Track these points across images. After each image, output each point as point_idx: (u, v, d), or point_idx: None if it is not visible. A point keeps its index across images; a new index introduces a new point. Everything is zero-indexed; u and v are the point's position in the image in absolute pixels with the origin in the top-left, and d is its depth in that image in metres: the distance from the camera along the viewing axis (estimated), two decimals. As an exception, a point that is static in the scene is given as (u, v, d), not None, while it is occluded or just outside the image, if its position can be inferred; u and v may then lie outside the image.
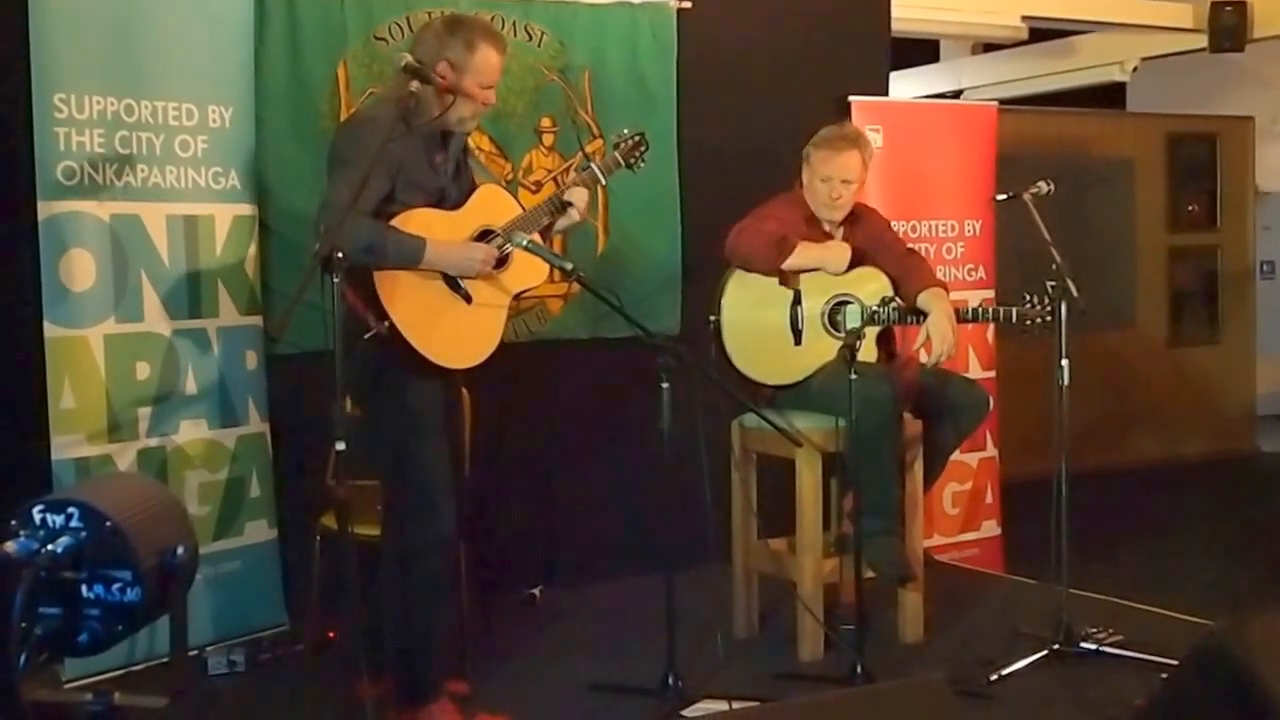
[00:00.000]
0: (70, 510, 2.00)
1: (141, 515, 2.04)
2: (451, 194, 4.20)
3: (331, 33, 5.44)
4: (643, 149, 4.65)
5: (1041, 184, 5.06)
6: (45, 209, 4.63)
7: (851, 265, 5.07)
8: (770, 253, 4.92)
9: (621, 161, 4.60)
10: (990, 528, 6.74)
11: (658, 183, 6.01)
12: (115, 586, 2.00)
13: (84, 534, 1.99)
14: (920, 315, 4.96)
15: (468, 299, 4.10)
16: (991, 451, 6.71)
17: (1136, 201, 9.90)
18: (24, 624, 1.92)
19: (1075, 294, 4.74)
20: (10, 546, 1.95)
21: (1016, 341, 6.49)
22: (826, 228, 5.11)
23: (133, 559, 1.99)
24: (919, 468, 5.09)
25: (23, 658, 1.92)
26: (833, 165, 5.00)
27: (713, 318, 5.05)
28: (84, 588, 2.00)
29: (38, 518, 2.00)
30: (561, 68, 5.94)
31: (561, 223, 4.41)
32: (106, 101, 4.76)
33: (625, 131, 4.67)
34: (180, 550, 2.06)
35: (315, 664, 4.84)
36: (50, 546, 1.97)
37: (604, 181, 4.53)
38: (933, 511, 6.23)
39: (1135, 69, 10.15)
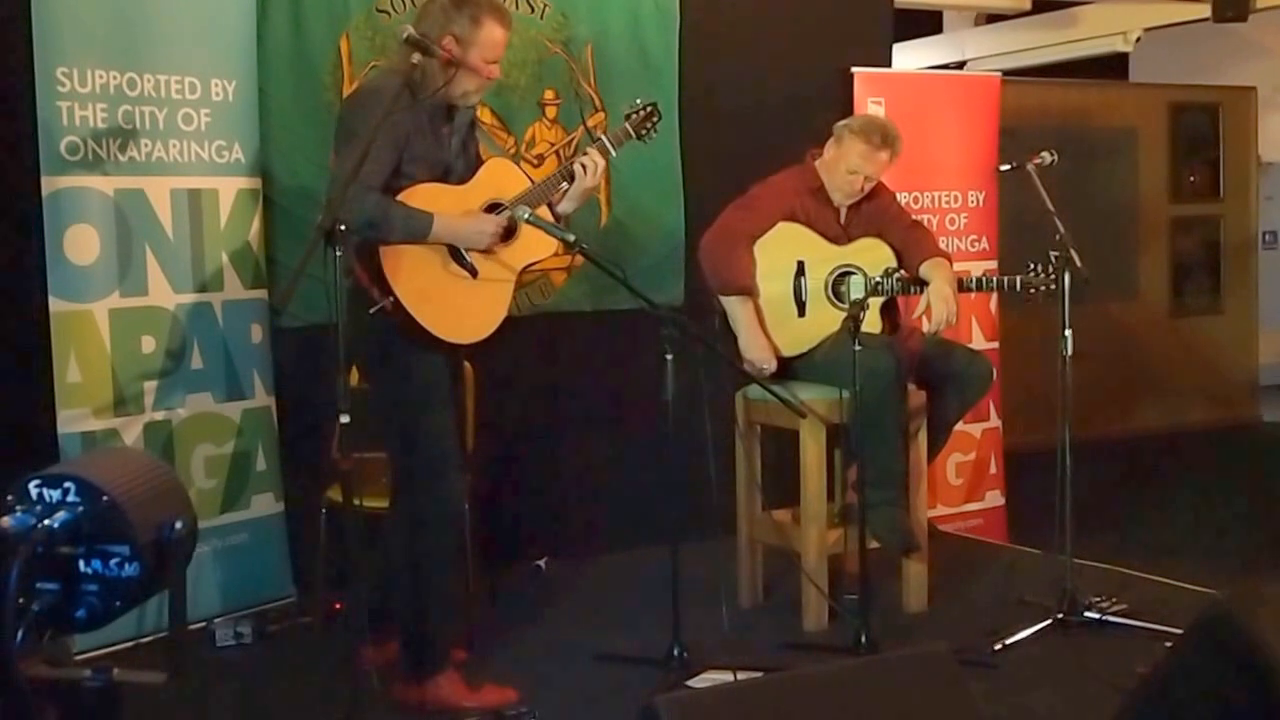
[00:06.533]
0: (67, 485, 1.98)
1: (139, 490, 2.03)
2: (458, 168, 4.20)
3: (334, 5, 5.43)
4: (655, 120, 4.63)
5: (1045, 154, 5.06)
6: (49, 184, 4.63)
7: (857, 237, 5.09)
8: (724, 277, 4.98)
9: (632, 133, 4.57)
10: (994, 498, 6.76)
11: (660, 154, 5.99)
12: (113, 561, 1.98)
13: (81, 509, 1.97)
14: (922, 285, 4.98)
15: (473, 273, 4.10)
16: (995, 422, 6.72)
17: (1139, 172, 9.90)
18: (21, 600, 1.92)
19: (1078, 264, 4.74)
20: (6, 522, 1.94)
21: (1019, 312, 6.52)
22: (835, 203, 5.11)
23: (130, 534, 1.98)
24: (923, 438, 5.10)
25: (20, 634, 1.91)
26: (868, 162, 5.00)
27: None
28: (81, 563, 1.98)
29: (34, 492, 1.99)
30: (564, 40, 5.92)
31: (575, 187, 4.36)
32: (109, 75, 4.75)
33: (638, 102, 4.64)
34: (178, 525, 2.05)
35: (322, 636, 4.86)
36: (47, 521, 1.95)
37: (614, 153, 4.48)
38: (936, 482, 6.24)
39: (1138, 39, 10.09)
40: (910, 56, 10.56)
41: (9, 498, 1.99)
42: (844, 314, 4.66)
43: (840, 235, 5.11)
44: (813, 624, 4.97)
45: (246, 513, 5.18)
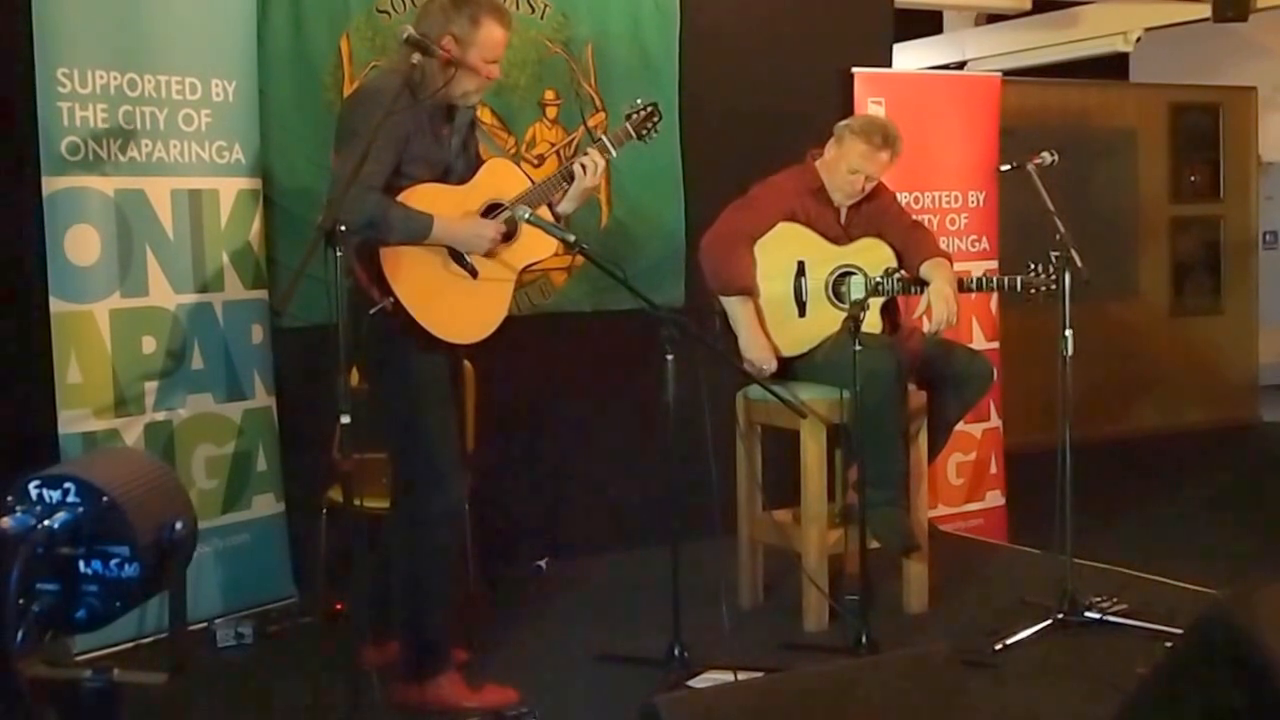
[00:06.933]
0: (67, 485, 1.96)
1: (139, 490, 2.02)
2: (458, 168, 4.20)
3: (334, 6, 5.43)
4: (655, 120, 4.61)
5: (1046, 154, 5.06)
6: (50, 184, 4.63)
7: (857, 237, 5.09)
8: (724, 277, 4.99)
9: (633, 133, 4.56)
10: (994, 498, 6.76)
11: (661, 155, 5.99)
12: (113, 562, 1.96)
13: (81, 509, 1.95)
14: (923, 285, 4.98)
15: (473, 274, 4.10)
16: (995, 422, 6.72)
17: (1139, 172, 9.91)
18: (21, 600, 1.91)
19: (1079, 264, 4.74)
20: (6, 522, 1.92)
21: (1020, 312, 6.52)
22: (835, 204, 5.11)
23: (130, 534, 1.96)
24: (923, 438, 5.10)
25: (20, 634, 1.91)
26: (869, 162, 5.00)
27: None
28: (81, 563, 1.96)
29: (34, 493, 1.97)
30: (565, 40, 5.93)
31: (575, 187, 4.35)
32: (110, 76, 4.75)
33: (638, 102, 4.62)
34: (178, 525, 2.03)
35: (323, 636, 4.86)
36: (47, 522, 1.93)
37: (614, 154, 4.46)
38: (937, 482, 6.24)
39: (1138, 39, 10.11)
40: (910, 56, 10.57)
41: (9, 498, 1.98)
42: (844, 314, 4.66)
43: (840, 235, 5.11)
44: (813, 624, 4.97)
45: (247, 513, 5.18)
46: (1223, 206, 10.28)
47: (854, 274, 5.04)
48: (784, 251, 5.04)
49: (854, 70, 6.43)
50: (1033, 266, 4.90)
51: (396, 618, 4.21)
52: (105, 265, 4.75)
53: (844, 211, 5.13)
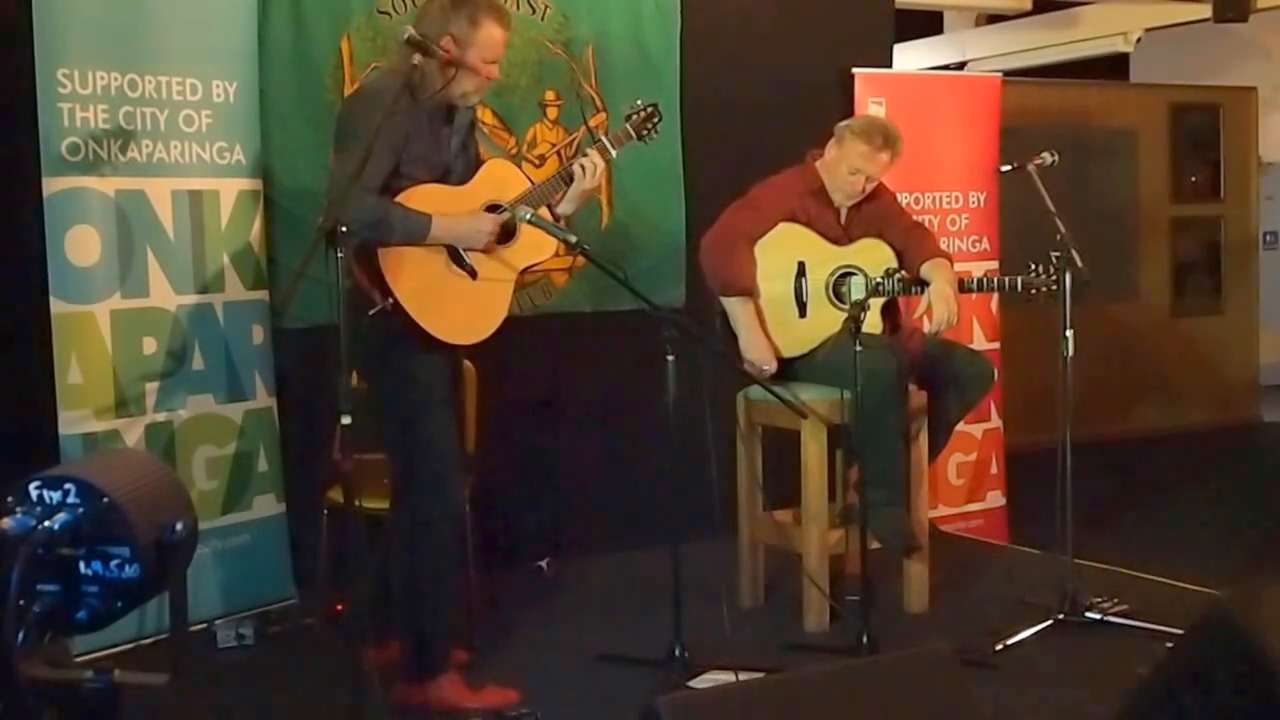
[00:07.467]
0: (67, 486, 1.97)
1: (139, 491, 2.03)
2: (457, 169, 4.20)
3: (335, 7, 5.43)
4: (655, 120, 4.61)
5: (1046, 155, 5.07)
6: (50, 185, 4.62)
7: (858, 238, 5.09)
8: (724, 278, 4.99)
9: (633, 133, 4.55)
10: (995, 498, 6.75)
11: (661, 155, 6.00)
12: (113, 563, 1.97)
13: (81, 510, 1.96)
14: (923, 286, 4.98)
15: (473, 274, 4.10)
16: (996, 422, 6.72)
17: (1140, 172, 9.91)
18: (22, 601, 1.91)
19: (1079, 264, 4.74)
20: (7, 523, 1.93)
21: (1020, 312, 6.52)
22: (836, 204, 5.11)
23: (130, 535, 1.97)
24: (924, 439, 5.10)
25: (20, 635, 1.91)
26: (869, 162, 5.00)
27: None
28: (82, 564, 1.97)
29: (35, 494, 1.98)
30: (565, 41, 5.93)
31: (574, 189, 4.34)
32: (110, 76, 4.75)
33: (639, 102, 4.62)
34: (179, 526, 2.04)
35: (323, 637, 4.87)
36: (47, 523, 1.94)
37: (613, 154, 4.46)
38: (938, 482, 6.24)
39: (1139, 40, 10.12)
40: (911, 57, 10.57)
41: (9, 499, 1.98)
42: (845, 315, 4.66)
43: (841, 236, 5.11)
44: (814, 624, 4.97)
45: (248, 514, 5.18)
46: (1223, 206, 10.29)
47: (854, 274, 5.04)
48: (784, 252, 5.04)
49: (854, 70, 6.43)
50: (1033, 267, 4.90)
51: (397, 618, 4.22)
52: (106, 266, 4.75)
53: (844, 212, 5.13)
